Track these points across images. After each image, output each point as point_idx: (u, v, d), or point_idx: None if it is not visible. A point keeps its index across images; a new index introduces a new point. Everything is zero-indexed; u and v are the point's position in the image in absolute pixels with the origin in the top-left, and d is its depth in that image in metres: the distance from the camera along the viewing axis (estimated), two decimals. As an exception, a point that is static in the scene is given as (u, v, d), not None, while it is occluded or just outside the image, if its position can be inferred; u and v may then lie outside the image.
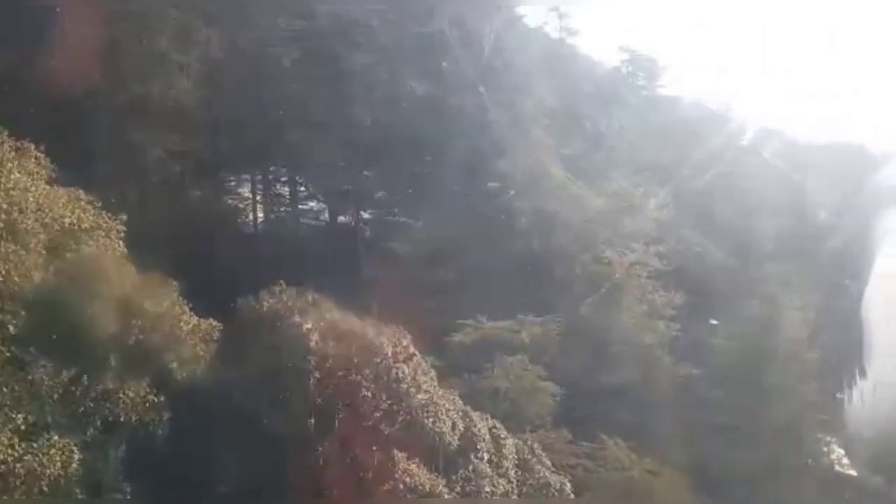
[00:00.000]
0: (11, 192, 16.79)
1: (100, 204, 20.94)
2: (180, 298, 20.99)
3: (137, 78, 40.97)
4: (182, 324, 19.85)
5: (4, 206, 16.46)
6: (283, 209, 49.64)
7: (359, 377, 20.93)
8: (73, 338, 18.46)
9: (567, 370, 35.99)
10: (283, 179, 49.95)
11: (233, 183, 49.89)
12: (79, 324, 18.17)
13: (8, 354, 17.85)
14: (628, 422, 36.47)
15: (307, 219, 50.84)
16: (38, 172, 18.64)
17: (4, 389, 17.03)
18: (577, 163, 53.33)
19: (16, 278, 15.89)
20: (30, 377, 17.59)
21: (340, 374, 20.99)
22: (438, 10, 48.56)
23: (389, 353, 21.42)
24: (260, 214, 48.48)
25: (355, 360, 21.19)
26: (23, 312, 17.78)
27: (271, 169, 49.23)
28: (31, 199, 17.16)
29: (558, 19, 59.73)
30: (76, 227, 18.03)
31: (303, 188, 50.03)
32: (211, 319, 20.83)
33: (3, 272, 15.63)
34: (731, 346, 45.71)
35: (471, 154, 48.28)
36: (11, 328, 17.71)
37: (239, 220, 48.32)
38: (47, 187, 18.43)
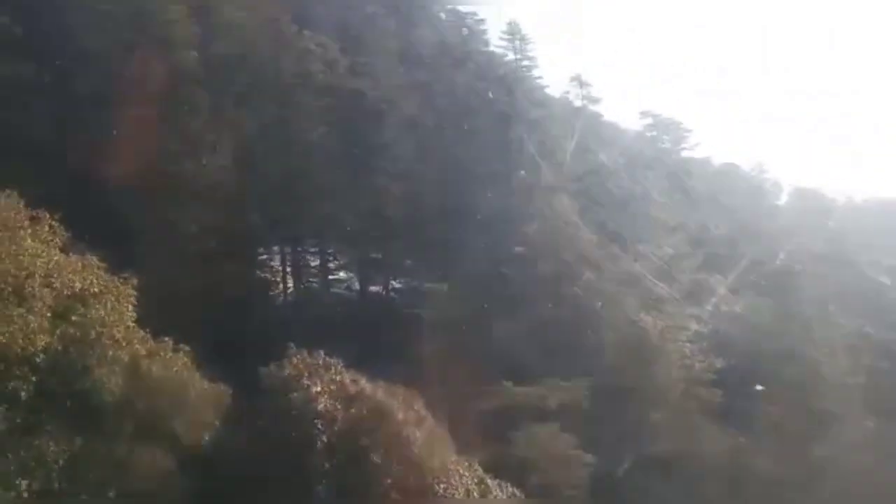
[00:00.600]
0: (20, 257, 17.21)
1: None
2: (192, 363, 20.89)
3: (172, 158, 42.86)
4: (190, 388, 19.63)
5: (13, 270, 16.87)
6: (313, 279, 50.02)
7: (368, 441, 20.32)
8: (82, 403, 18.40)
9: (600, 438, 34.57)
10: (312, 250, 50.61)
11: (265, 256, 50.63)
12: (87, 389, 18.14)
13: (18, 421, 17.83)
14: (667, 494, 34.61)
15: (338, 288, 51.23)
16: (51, 239, 19.11)
17: (9, 456, 16.90)
18: (606, 226, 52.95)
19: (20, 341, 16.08)
20: (36, 442, 17.45)
21: (350, 437, 20.43)
22: (460, 81, 49.89)
23: (400, 416, 20.80)
24: (291, 285, 48.93)
25: (365, 424, 20.63)
26: (33, 378, 17.82)
27: (301, 241, 49.93)
28: (39, 264, 17.55)
29: (579, 87, 60.64)
30: (86, 292, 18.29)
31: (332, 258, 50.63)
32: (221, 384, 20.63)
33: (8, 335, 15.83)
34: (779, 411, 43.46)
35: (497, 220, 48.54)
36: (23, 394, 17.77)
37: (270, 291, 48.80)
38: (60, 254, 18.83)
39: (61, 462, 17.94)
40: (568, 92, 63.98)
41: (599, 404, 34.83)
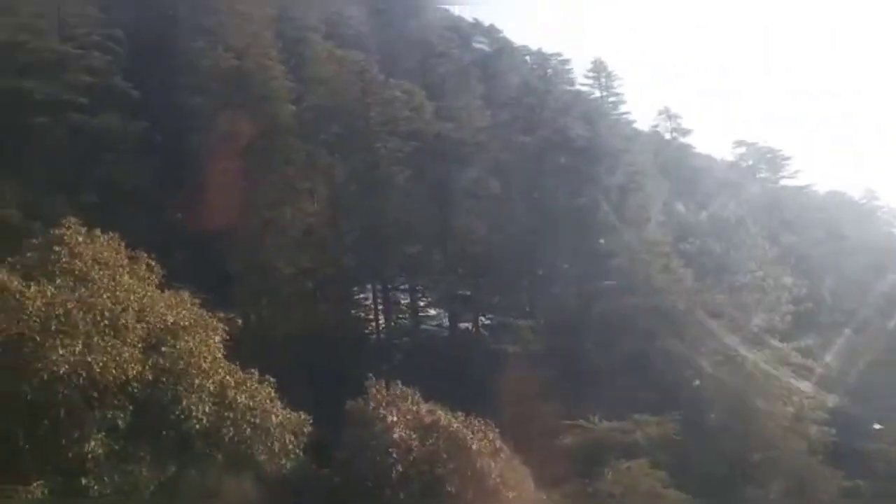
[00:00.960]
0: (117, 292, 18.76)
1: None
2: (276, 393, 21.74)
3: (270, 204, 45.45)
4: (272, 417, 20.47)
5: (109, 304, 18.39)
6: (403, 317, 50.98)
7: (444, 471, 20.43)
8: (174, 431, 19.53)
9: (695, 476, 32.99)
10: (403, 288, 51.68)
11: (361, 296, 52.05)
12: (177, 417, 19.27)
13: (116, 448, 19.09)
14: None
15: (428, 325, 51.96)
16: (147, 277, 20.70)
17: (106, 479, 18.07)
18: (701, 258, 51.25)
19: (114, 370, 17.40)
20: (131, 468, 18.60)
21: (425, 467, 20.62)
22: (543, 119, 50.24)
23: (475, 447, 20.82)
24: (382, 322, 50.04)
25: (441, 454, 20.78)
26: (130, 407, 19.14)
27: (392, 280, 51.11)
28: (134, 298, 19.04)
29: (668, 120, 59.69)
30: (177, 325, 19.63)
31: (422, 296, 51.49)
32: (303, 414, 21.37)
33: (102, 364, 17.21)
34: (898, 453, 40.20)
35: (584, 255, 48.01)
36: (120, 423, 19.11)
37: (363, 329, 50.07)
38: (155, 290, 20.35)
39: (152, 488, 18.99)
40: (657, 125, 63.28)
41: (694, 441, 33.35)
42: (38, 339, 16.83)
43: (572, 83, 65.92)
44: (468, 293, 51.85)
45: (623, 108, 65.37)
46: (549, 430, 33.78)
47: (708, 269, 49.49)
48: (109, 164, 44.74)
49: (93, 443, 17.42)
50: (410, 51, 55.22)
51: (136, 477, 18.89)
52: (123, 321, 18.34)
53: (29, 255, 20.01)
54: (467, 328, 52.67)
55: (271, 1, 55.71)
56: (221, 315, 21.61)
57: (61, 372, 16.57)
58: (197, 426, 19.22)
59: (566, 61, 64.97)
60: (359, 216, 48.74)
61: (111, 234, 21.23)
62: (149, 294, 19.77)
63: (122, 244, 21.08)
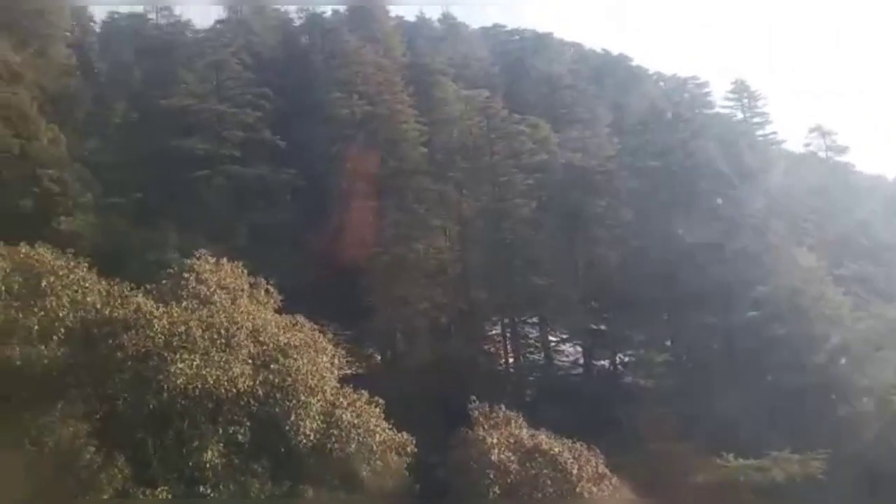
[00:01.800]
0: (235, 314, 20.51)
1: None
2: (381, 412, 22.48)
3: (403, 241, 47.40)
4: (376, 435, 21.17)
5: (226, 324, 20.12)
6: (533, 351, 50.54)
7: (541, 494, 20.09)
8: (283, 446, 20.78)
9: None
10: (533, 322, 51.36)
11: (492, 331, 52.38)
12: (286, 432, 20.52)
13: (236, 461, 20.61)
14: None
15: (561, 360, 51.11)
16: (266, 302, 22.42)
17: (221, 487, 19.53)
18: (861, 283, 46.82)
19: (225, 383, 18.96)
20: (242, 478, 19.97)
21: (524, 490, 20.38)
22: (676, 143, 48.51)
23: (576, 472, 20.31)
24: (512, 357, 49.92)
25: (540, 477, 20.48)
26: (248, 423, 20.67)
27: (522, 313, 50.93)
28: (246, 318, 20.71)
29: (822, 138, 55.44)
30: (287, 345, 21.04)
31: (553, 330, 50.83)
32: (404, 433, 21.92)
33: (214, 377, 18.82)
34: None
35: (726, 284, 45.34)
36: (240, 437, 20.68)
37: (495, 365, 50.21)
38: (272, 313, 22.00)
39: (265, 499, 20.21)
40: (809, 144, 59.05)
41: (844, 481, 30.11)
42: (163, 354, 18.79)
43: (711, 106, 63.33)
44: (602, 327, 50.80)
45: (769, 129, 61.58)
46: (682, 467, 32.00)
47: (869, 295, 45.14)
48: (261, 210, 48.75)
49: (211, 453, 18.89)
50: (538, 86, 55.85)
51: (251, 489, 20.16)
52: (237, 339, 19.99)
53: (164, 282, 22.45)
54: (602, 364, 51.38)
55: (403, 49, 59.02)
56: (330, 335, 22.74)
57: (178, 383, 18.33)
58: (304, 442, 20.28)
59: (703, 84, 62.66)
60: (487, 250, 49.45)
61: (236, 262, 23.24)
62: (263, 316, 21.40)
63: (244, 272, 23.00)
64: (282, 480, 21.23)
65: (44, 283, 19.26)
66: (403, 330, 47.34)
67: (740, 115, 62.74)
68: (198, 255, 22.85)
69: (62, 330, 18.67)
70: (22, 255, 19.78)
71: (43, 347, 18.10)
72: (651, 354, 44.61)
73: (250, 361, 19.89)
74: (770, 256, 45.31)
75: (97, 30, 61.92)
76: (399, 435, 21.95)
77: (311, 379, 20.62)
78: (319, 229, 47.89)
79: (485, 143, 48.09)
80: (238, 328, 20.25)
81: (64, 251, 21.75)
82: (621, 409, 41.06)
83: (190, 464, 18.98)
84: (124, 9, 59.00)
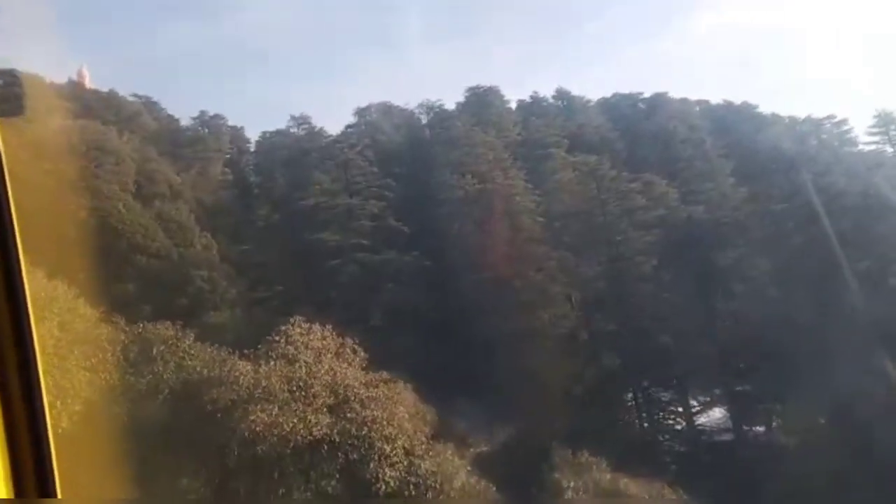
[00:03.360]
0: (312, 368, 22.21)
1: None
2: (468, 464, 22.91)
3: (527, 309, 47.91)
4: (455, 482, 21.58)
5: (305, 377, 21.81)
6: (670, 417, 47.99)
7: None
8: (363, 493, 21.76)
9: None
10: (672, 385, 49.01)
11: (629, 400, 50.62)
12: (367, 480, 21.53)
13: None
14: None
15: (704, 423, 48.02)
16: (351, 359, 24.01)
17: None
18: None
19: (301, 430, 20.42)
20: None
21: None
22: (802, 185, 45.76)
23: (656, 514, 19.42)
24: (646, 422, 47.72)
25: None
26: (332, 472, 21.96)
27: (656, 377, 48.91)
28: (326, 373, 22.30)
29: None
30: (365, 396, 22.28)
31: (692, 394, 48.16)
32: (477, 477, 22.12)
33: (291, 425, 20.36)
34: None
35: (883, 329, 41.08)
36: (329, 489, 21.96)
37: (634, 431, 48.22)
38: (359, 372, 23.52)
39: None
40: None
41: None
42: (246, 406, 20.76)
43: (854, 144, 59.19)
44: (748, 387, 47.50)
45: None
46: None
47: None
48: (389, 292, 51.57)
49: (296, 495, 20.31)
50: (653, 144, 55.41)
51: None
52: (314, 391, 21.58)
53: (260, 346, 24.81)
54: (756, 429, 47.65)
55: (518, 128, 61.31)
56: (401, 385, 23.79)
57: (257, 430, 20.08)
58: (384, 488, 21.12)
59: (841, 122, 58.89)
60: (610, 312, 48.64)
61: (328, 326, 25.28)
62: (343, 371, 22.94)
63: (334, 333, 24.91)
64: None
65: (154, 351, 22.17)
66: (533, 403, 46.98)
67: (889, 150, 58.05)
68: (293, 322, 25.09)
69: (166, 390, 21.27)
70: (140, 330, 22.96)
71: (150, 405, 20.71)
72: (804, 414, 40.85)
73: (325, 411, 21.33)
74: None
75: (252, 148, 69.90)
76: (483, 482, 22.11)
77: (387, 428, 21.59)
78: (445, 305, 49.83)
79: (595, 205, 48.19)
80: (314, 380, 21.86)
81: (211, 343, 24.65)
82: (771, 473, 37.93)
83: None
84: (274, 126, 66.55)
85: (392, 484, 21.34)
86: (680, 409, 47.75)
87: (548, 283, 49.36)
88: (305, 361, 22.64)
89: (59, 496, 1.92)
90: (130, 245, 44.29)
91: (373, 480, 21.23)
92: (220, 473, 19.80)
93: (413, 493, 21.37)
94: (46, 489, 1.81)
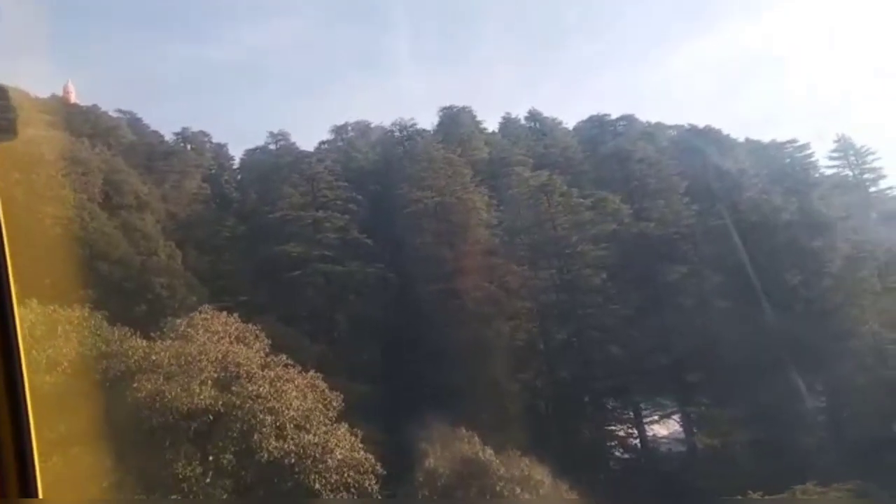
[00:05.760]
0: (206, 347, 23.65)
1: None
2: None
3: (481, 321, 48.97)
4: (336, 453, 22.74)
5: (196, 354, 23.23)
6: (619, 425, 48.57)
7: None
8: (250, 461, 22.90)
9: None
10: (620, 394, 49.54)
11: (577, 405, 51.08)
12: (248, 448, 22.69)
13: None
14: None
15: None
16: (251, 343, 25.44)
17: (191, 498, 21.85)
18: None
19: (185, 398, 21.75)
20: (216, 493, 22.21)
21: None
22: (745, 202, 46.87)
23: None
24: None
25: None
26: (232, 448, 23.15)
27: (605, 388, 49.52)
28: (216, 350, 23.68)
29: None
30: (252, 374, 23.65)
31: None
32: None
33: (174, 393, 21.70)
34: None
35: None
36: (224, 460, 23.16)
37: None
38: (257, 355, 24.90)
39: None
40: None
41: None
42: (133, 376, 22.09)
43: (815, 168, 60.45)
44: (704, 400, 47.91)
45: (884, 183, 57.44)
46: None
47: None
48: (353, 302, 52.91)
49: (182, 464, 21.49)
50: (612, 163, 56.79)
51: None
52: (202, 365, 22.89)
53: (164, 328, 26.24)
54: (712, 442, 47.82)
55: (488, 148, 63.02)
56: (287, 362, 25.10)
57: (141, 397, 21.37)
58: (267, 457, 22.28)
59: (803, 147, 60.19)
60: (562, 324, 49.57)
61: (232, 314, 26.70)
62: (237, 351, 24.25)
63: (235, 319, 26.30)
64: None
65: (59, 329, 23.61)
66: (492, 412, 47.75)
67: (849, 173, 59.29)
68: (200, 310, 26.54)
69: (65, 363, 22.63)
70: (50, 311, 24.35)
71: (47, 377, 22.05)
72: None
73: (210, 384, 22.59)
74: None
75: (235, 164, 72.09)
76: (368, 458, 23.18)
77: (272, 402, 22.81)
78: (405, 315, 51.01)
79: (546, 218, 49.47)
80: (204, 357, 23.17)
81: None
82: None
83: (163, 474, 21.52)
84: (259, 142, 68.77)
85: (275, 453, 22.48)
86: (629, 416, 48.28)
87: (499, 293, 50.46)
88: (200, 341, 23.97)
89: (41, 496, 1.89)
90: (93, 252, 45.97)
91: (256, 449, 22.39)
92: (113, 441, 21.02)
93: (293, 461, 22.50)
94: (28, 490, 1.74)
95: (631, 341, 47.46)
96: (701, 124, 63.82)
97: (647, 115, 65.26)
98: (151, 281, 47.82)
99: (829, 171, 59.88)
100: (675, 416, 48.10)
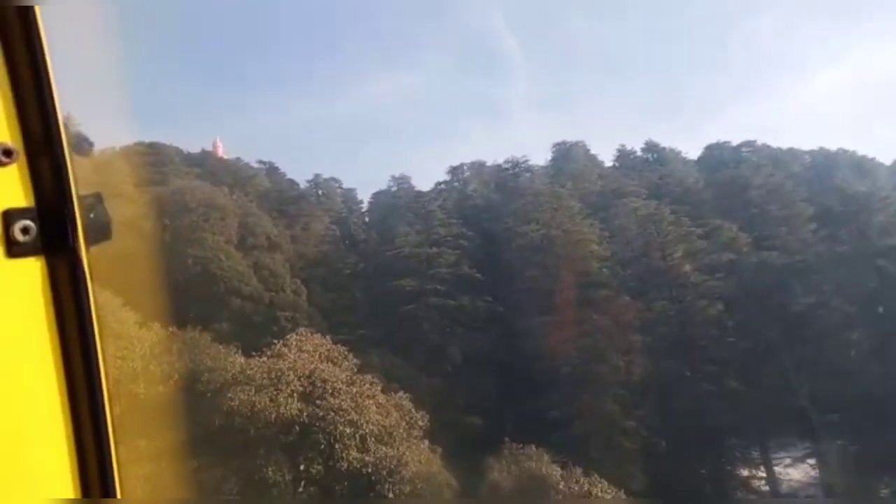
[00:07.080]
0: (296, 364, 25.62)
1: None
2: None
3: (590, 352, 48.51)
4: (411, 466, 23.80)
5: (285, 370, 25.24)
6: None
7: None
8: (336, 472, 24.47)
9: None
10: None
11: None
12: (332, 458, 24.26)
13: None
14: None
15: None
16: (339, 362, 27.23)
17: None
18: None
19: (271, 408, 23.68)
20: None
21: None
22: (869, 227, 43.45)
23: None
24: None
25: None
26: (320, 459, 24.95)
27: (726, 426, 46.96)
28: (302, 366, 25.54)
29: None
30: (334, 387, 25.24)
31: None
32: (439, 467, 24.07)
33: (263, 404, 23.69)
34: None
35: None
36: (313, 470, 24.93)
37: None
38: (343, 373, 26.61)
39: None
40: None
41: None
42: (230, 387, 24.43)
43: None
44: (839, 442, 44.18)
45: None
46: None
47: None
48: (463, 336, 54.25)
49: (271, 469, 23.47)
50: (733, 192, 54.75)
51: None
52: (289, 379, 24.83)
53: (265, 349, 28.61)
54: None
55: (598, 178, 62.78)
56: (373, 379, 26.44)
57: (234, 406, 23.58)
58: (346, 466, 23.74)
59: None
60: (677, 357, 47.84)
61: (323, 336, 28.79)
62: (322, 368, 26.06)
63: (327, 341, 28.31)
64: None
65: (175, 348, 26.58)
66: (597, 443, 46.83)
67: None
68: (296, 332, 28.84)
69: (176, 376, 25.38)
70: (169, 334, 27.52)
71: (160, 388, 24.91)
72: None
73: (296, 397, 24.43)
74: None
75: (364, 207, 76.56)
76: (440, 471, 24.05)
77: (352, 415, 24.27)
78: (516, 349, 51.54)
79: (655, 248, 48.40)
80: (293, 373, 25.09)
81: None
82: None
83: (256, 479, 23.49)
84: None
85: (355, 464, 23.85)
86: (752, 457, 45.39)
87: (610, 325, 49.67)
88: (291, 358, 26.03)
89: (120, 496, 1.86)
90: (227, 288, 50.54)
91: (337, 459, 23.86)
92: (208, 446, 23.32)
93: (370, 471, 23.72)
94: (108, 490, 1.78)
95: (753, 376, 45.00)
96: (833, 147, 60.11)
97: (781, 141, 62.14)
98: (277, 315, 51.61)
99: None
100: (811, 459, 44.48)
